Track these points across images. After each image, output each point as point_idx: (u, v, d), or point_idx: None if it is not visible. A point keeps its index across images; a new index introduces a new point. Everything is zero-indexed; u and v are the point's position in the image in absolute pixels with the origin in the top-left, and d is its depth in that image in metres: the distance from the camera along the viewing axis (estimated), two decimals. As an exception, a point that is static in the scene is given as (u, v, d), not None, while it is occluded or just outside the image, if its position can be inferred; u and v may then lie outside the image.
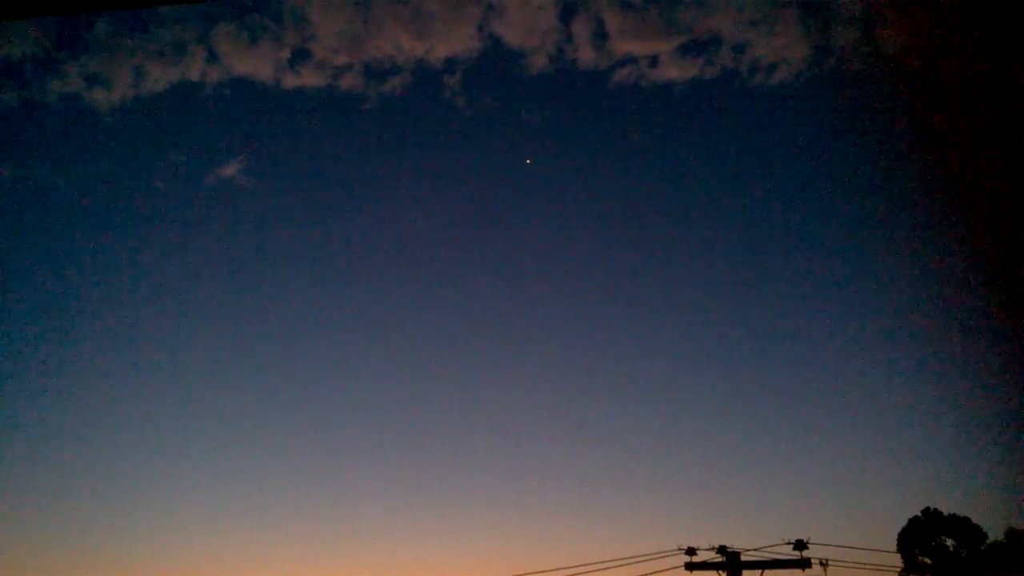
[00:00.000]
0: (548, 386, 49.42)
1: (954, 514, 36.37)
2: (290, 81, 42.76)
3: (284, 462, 47.56)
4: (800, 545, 22.62)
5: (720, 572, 22.88)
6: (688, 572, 23.01)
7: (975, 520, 36.24)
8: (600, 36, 42.23)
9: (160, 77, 41.27)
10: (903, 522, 36.74)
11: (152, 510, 44.71)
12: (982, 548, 35.80)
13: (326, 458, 48.29)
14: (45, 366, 44.07)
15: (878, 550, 33.88)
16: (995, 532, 36.08)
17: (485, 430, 49.29)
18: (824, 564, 22.76)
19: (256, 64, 42.27)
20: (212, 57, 41.99)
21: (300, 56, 42.57)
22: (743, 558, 22.76)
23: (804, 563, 22.59)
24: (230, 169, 44.35)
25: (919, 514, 36.59)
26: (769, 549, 22.89)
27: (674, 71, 42.02)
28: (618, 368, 49.02)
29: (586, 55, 42.40)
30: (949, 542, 35.97)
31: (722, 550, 22.82)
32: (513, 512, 46.63)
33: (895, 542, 36.34)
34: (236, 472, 46.78)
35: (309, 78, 42.82)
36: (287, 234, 47.49)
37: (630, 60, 41.72)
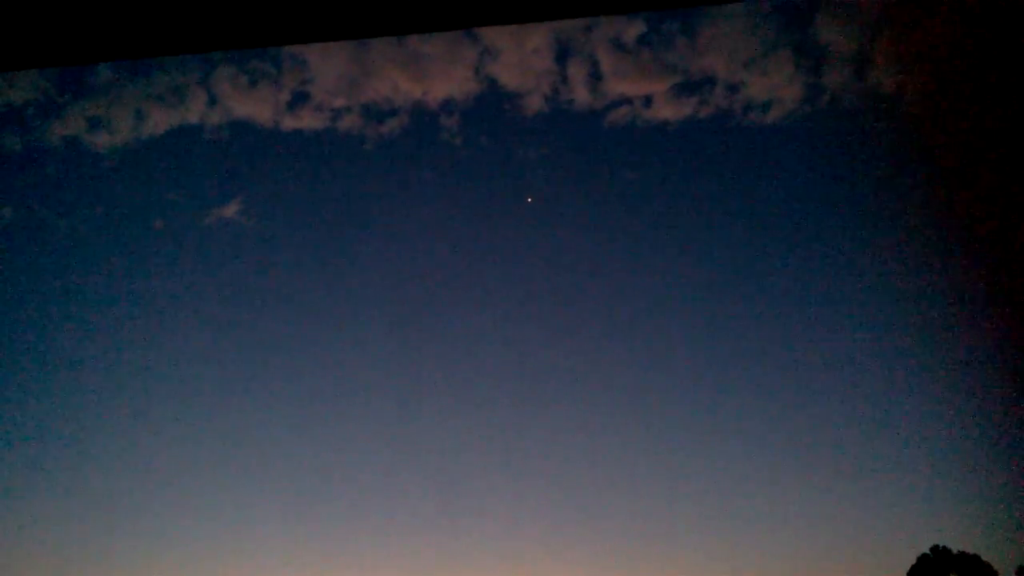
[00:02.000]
0: (547, 418, 48.96)
1: (964, 552, 35.62)
2: (289, 123, 43.17)
3: (288, 489, 46.87)
4: (808, 585, 22.18)
5: (727, 614, 22.38)
6: (694, 614, 22.51)
7: (986, 558, 35.52)
8: (594, 77, 42.79)
9: (160, 120, 41.67)
10: (911, 560, 36.03)
11: (150, 513, 43.93)
12: (993, 586, 35.06)
13: (330, 487, 47.60)
14: (47, 406, 43.71)
15: (887, 589, 33.07)
16: (1006, 570, 35.41)
17: (486, 456, 48.69)
18: (833, 604, 22.26)
19: (255, 107, 42.72)
20: (212, 100, 42.48)
21: (299, 99, 43.04)
22: (750, 599, 22.30)
23: (812, 603, 22.13)
24: (230, 209, 44.49)
25: (928, 552, 35.87)
26: (776, 589, 22.43)
27: (668, 111, 42.47)
28: (614, 403, 48.62)
29: (581, 96, 42.88)
30: (959, 580, 35.21)
31: (728, 591, 22.37)
32: (514, 541, 45.78)
33: (904, 581, 35.57)
34: (241, 500, 46.07)
35: (308, 120, 43.25)
36: (287, 273, 47.52)
37: (624, 101, 42.19)
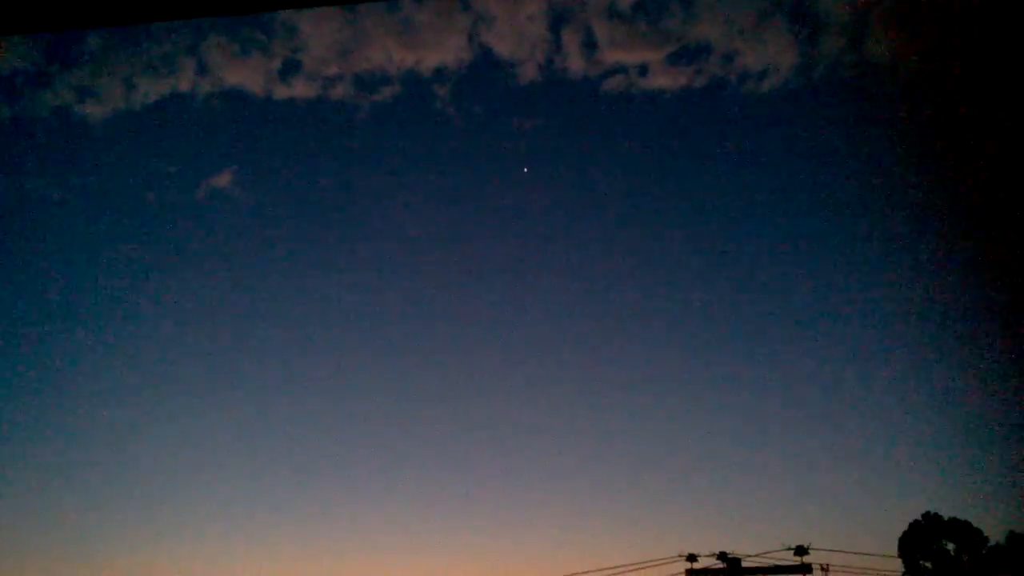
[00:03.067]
0: (548, 393, 49.30)
1: (955, 518, 36.24)
2: (281, 92, 42.81)
3: (282, 466, 47.31)
4: (801, 551, 22.50)
5: (721, 579, 22.72)
6: (689, 579, 22.88)
7: (976, 524, 36.14)
8: (590, 46, 42.40)
9: (151, 89, 41.29)
10: (904, 526, 36.61)
11: (149, 513, 44.42)
12: (983, 552, 35.67)
13: (325, 461, 48.05)
14: (41, 371, 43.90)
15: (879, 555, 33.72)
16: (996, 536, 35.99)
17: (486, 437, 49.11)
18: (825, 569, 22.63)
19: (247, 75, 42.32)
20: (202, 69, 42.02)
21: (290, 67, 42.65)
22: (744, 564, 22.63)
23: (805, 568, 22.46)
24: (222, 179, 44.32)
25: (920, 518, 36.44)
26: (770, 555, 22.77)
27: (664, 79, 42.18)
28: (617, 375, 48.94)
29: (576, 64, 42.54)
30: (950, 546, 35.82)
31: (723, 556, 22.70)
32: (514, 519, 46.40)
33: (896, 546, 36.19)
34: (233, 475, 46.51)
35: (300, 89, 42.88)
36: (279, 242, 47.44)
37: (620, 69, 41.87)
